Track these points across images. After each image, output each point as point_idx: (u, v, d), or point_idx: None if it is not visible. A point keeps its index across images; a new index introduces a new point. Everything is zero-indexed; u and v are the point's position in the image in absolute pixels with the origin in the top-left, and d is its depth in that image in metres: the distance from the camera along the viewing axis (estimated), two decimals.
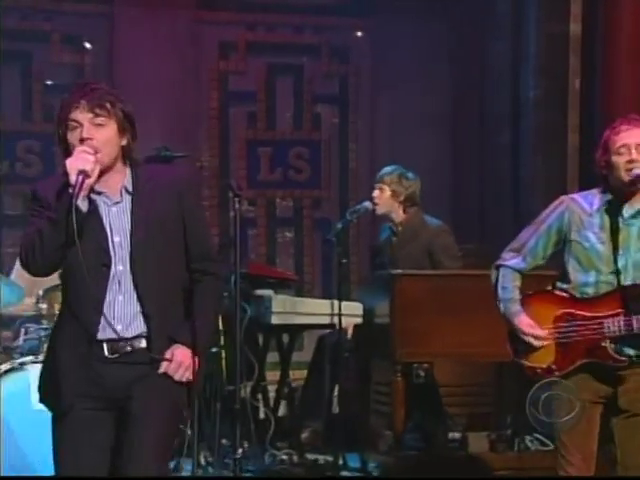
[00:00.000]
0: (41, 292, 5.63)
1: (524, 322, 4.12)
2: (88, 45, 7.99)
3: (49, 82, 7.91)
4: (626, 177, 4.04)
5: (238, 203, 4.36)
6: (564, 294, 4.17)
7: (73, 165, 3.22)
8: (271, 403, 6.58)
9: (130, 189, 3.39)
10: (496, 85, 7.97)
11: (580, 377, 4.09)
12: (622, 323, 4.04)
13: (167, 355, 3.36)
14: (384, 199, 6.21)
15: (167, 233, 3.41)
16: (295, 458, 6.13)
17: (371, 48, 8.54)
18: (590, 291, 4.10)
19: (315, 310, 6.25)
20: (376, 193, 6.23)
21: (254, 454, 5.99)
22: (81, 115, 3.31)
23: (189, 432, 5.91)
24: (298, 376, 6.86)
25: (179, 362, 3.36)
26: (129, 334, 3.37)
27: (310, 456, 6.16)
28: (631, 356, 4.06)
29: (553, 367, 4.11)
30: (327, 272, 8.35)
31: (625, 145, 4.06)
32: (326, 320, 6.19)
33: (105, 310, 3.34)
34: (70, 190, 3.18)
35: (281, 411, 6.59)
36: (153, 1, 7.92)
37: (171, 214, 3.42)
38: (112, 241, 3.36)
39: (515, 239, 4.26)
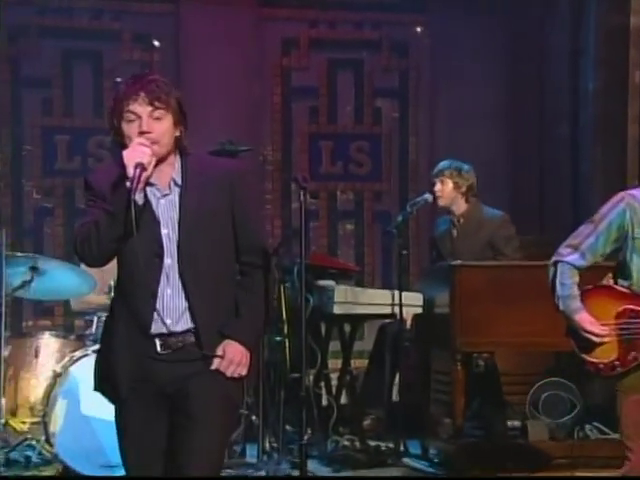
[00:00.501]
0: (112, 282, 5.68)
1: (585, 319, 4.03)
2: (156, 43, 8.04)
3: (119, 79, 7.96)
4: None
5: (303, 195, 4.34)
6: (625, 290, 4.09)
7: (131, 158, 3.17)
8: (333, 391, 6.58)
9: (179, 181, 3.31)
10: (555, 78, 7.89)
11: None
12: None
13: (219, 352, 3.27)
14: (447, 192, 6.19)
15: (217, 226, 3.31)
16: (357, 444, 6.15)
17: (430, 42, 8.49)
18: None
19: (376, 300, 6.24)
20: (438, 187, 6.20)
21: (317, 440, 6.00)
22: (140, 108, 3.24)
23: (254, 418, 5.97)
24: (359, 365, 6.87)
25: (230, 359, 3.27)
26: (179, 328, 3.28)
27: (372, 442, 6.18)
28: None
29: (616, 363, 4.02)
30: (387, 263, 8.33)
31: None
32: (387, 310, 6.19)
33: (157, 304, 3.27)
34: (128, 183, 3.14)
35: (343, 398, 6.59)
36: (218, 0, 7.95)
37: (221, 206, 3.33)
38: (160, 233, 3.28)
39: (572, 235, 4.15)
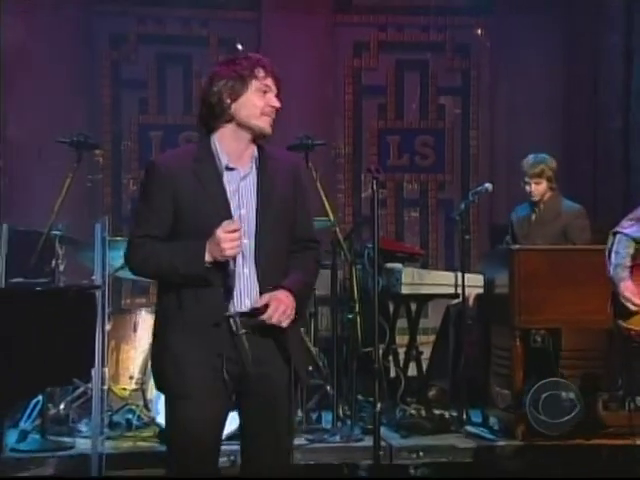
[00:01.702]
0: None
1: (628, 287, 4.05)
2: (240, 47, 8.07)
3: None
4: None
5: (375, 185, 4.31)
6: None
7: (225, 252, 2.98)
8: (401, 364, 6.57)
9: (258, 164, 3.18)
10: (608, 74, 7.79)
11: None
12: None
13: (263, 301, 3.06)
14: (541, 190, 6.07)
15: (286, 211, 3.19)
16: (423, 413, 6.09)
17: (490, 44, 8.43)
18: None
19: (440, 281, 6.22)
20: (533, 187, 6.05)
21: (387, 409, 5.99)
22: (272, 85, 3.17)
23: (329, 388, 5.97)
24: (424, 340, 6.85)
25: (276, 307, 3.03)
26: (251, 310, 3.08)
27: (436, 411, 6.13)
28: None
29: None
30: (449, 247, 8.30)
31: None
32: (450, 290, 6.15)
33: (236, 283, 3.08)
34: (230, 270, 3.01)
35: (410, 371, 6.57)
36: (295, 7, 7.95)
37: (289, 193, 3.21)
38: (240, 215, 3.10)
39: (635, 209, 4.10)
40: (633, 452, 5.51)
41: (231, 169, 3.13)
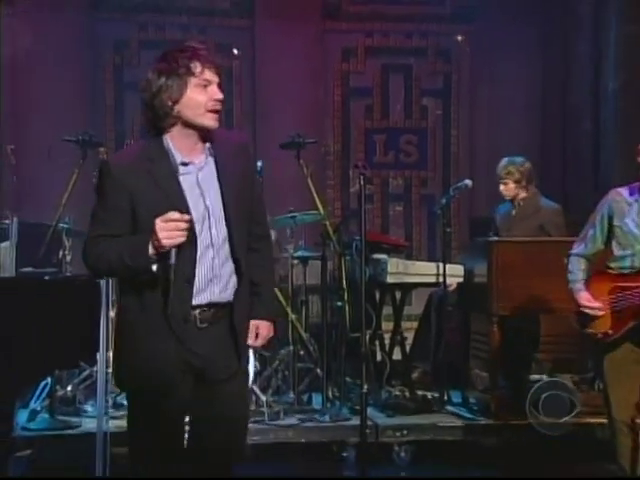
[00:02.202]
0: None
1: (584, 297, 4.19)
2: (236, 51, 8.07)
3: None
4: None
5: (362, 180, 4.31)
6: (614, 272, 4.19)
7: (165, 244, 2.79)
8: (386, 348, 6.59)
9: (212, 151, 2.98)
10: (579, 79, 7.81)
11: (630, 339, 4.09)
12: None
13: (252, 330, 3.07)
14: (510, 189, 6.12)
15: (243, 191, 3.01)
16: (407, 394, 6.12)
17: (470, 49, 8.44)
18: (627, 265, 4.11)
19: (423, 271, 6.21)
20: (502, 187, 6.11)
21: (373, 390, 6.01)
22: (213, 77, 2.93)
23: (319, 371, 5.99)
24: (408, 326, 6.84)
25: (264, 337, 3.12)
26: (224, 298, 2.96)
27: (419, 392, 6.14)
28: None
29: (610, 332, 4.14)
30: (432, 239, 8.32)
31: None
32: (432, 279, 6.14)
33: (202, 273, 2.91)
34: (171, 261, 2.81)
35: (395, 355, 6.58)
36: (287, 15, 7.94)
37: (243, 174, 3.03)
38: (205, 204, 2.93)
39: (584, 230, 4.31)
40: (602, 429, 5.55)
41: (186, 164, 2.95)
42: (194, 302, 2.92)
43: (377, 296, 6.53)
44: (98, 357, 4.61)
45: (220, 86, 2.96)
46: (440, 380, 6.14)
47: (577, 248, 4.29)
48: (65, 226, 5.41)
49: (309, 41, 8.06)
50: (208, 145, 2.99)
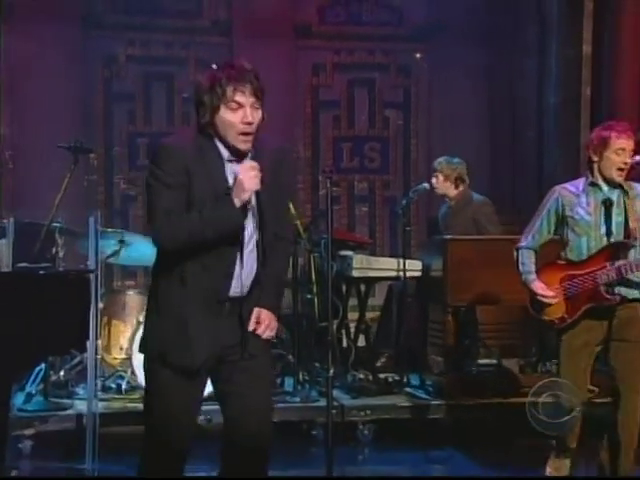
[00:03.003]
0: None
1: (538, 286, 4.16)
2: (214, 67, 8.03)
3: (186, 95, 8.00)
4: (616, 175, 4.05)
5: (329, 183, 4.32)
6: (565, 261, 4.19)
7: (248, 187, 2.76)
8: (352, 336, 6.60)
9: (253, 153, 2.90)
10: (525, 94, 7.85)
11: (585, 322, 4.08)
12: (610, 272, 4.01)
13: (253, 318, 2.93)
14: (440, 183, 6.20)
15: (276, 196, 2.94)
16: (370, 377, 6.14)
17: (428, 65, 8.45)
18: (585, 252, 4.10)
19: (385, 266, 6.23)
20: (433, 180, 6.22)
21: (339, 374, 6.02)
22: (244, 99, 2.80)
23: (290, 357, 5.99)
24: (372, 316, 6.85)
25: (267, 324, 2.94)
26: (244, 292, 2.89)
27: (381, 376, 6.16)
28: (621, 294, 4.04)
29: (565, 316, 4.12)
30: (393, 237, 8.33)
31: (623, 149, 4.04)
32: (393, 274, 6.17)
33: (237, 269, 2.84)
34: (245, 205, 2.78)
35: (359, 342, 6.60)
36: (262, 34, 7.90)
37: (278, 179, 2.95)
38: (250, 204, 2.85)
39: (529, 225, 4.26)
40: None
41: (231, 161, 2.88)
42: (230, 293, 2.85)
43: (344, 289, 6.55)
44: (88, 345, 4.58)
45: (255, 106, 2.83)
46: (400, 365, 6.17)
47: (525, 241, 4.24)
48: (58, 225, 5.37)
49: (282, 58, 8.04)
50: (250, 148, 2.90)
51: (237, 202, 2.78)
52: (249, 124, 2.82)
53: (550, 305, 4.11)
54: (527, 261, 4.21)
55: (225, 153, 2.88)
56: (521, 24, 7.87)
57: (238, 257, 2.85)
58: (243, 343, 2.89)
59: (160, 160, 2.83)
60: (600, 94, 6.97)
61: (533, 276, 4.17)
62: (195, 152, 2.82)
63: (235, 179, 2.80)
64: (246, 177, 2.77)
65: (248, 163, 2.80)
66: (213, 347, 2.85)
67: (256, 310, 2.94)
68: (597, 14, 6.94)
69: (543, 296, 4.11)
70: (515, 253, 4.26)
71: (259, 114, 2.85)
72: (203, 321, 2.82)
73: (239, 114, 2.81)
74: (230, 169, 2.87)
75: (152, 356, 2.91)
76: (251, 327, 2.91)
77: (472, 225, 6.08)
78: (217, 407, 3.06)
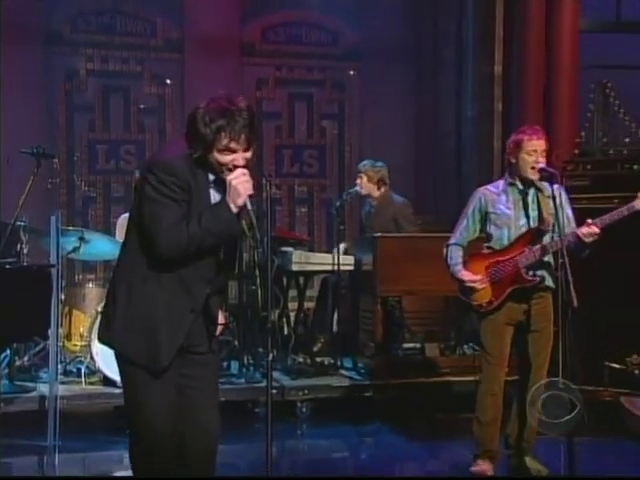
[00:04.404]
0: None
1: (465, 274, 4.20)
2: (168, 81, 7.97)
3: (142, 106, 7.93)
4: (530, 173, 4.12)
5: (269, 187, 4.31)
6: (488, 251, 4.25)
7: (243, 192, 2.69)
8: (292, 324, 6.61)
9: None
10: (445, 107, 7.94)
11: (508, 304, 4.14)
12: (528, 255, 4.09)
13: (221, 320, 2.93)
14: (364, 184, 6.24)
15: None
16: (308, 361, 6.15)
17: (360, 81, 8.50)
18: (506, 242, 4.16)
19: (322, 261, 6.25)
20: (358, 181, 6.27)
21: (281, 358, 6.03)
22: (237, 146, 2.68)
23: (236, 343, 5.98)
24: (310, 306, 6.87)
25: (222, 325, 2.94)
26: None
27: (318, 359, 6.18)
28: (539, 275, 4.12)
29: (492, 299, 4.17)
30: (329, 235, 8.35)
31: (535, 150, 4.12)
32: (329, 267, 6.18)
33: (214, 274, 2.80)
34: (249, 207, 2.71)
35: (299, 329, 6.61)
36: (211, 51, 7.87)
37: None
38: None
39: (457, 223, 4.32)
40: (459, 386, 5.70)
41: (214, 182, 2.78)
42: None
43: (284, 281, 6.54)
44: (50, 332, 4.52)
45: (248, 150, 2.71)
46: (335, 349, 6.19)
47: (453, 239, 4.27)
48: (22, 224, 5.27)
49: (229, 73, 8.00)
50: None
51: (233, 207, 2.71)
52: (235, 167, 2.73)
53: (478, 291, 4.16)
54: (454, 255, 4.25)
55: (210, 176, 2.79)
56: (442, 45, 7.97)
57: (215, 262, 2.80)
58: (209, 339, 2.85)
59: (164, 176, 2.70)
60: (510, 108, 7.10)
61: (460, 267, 4.21)
62: (190, 169, 2.74)
63: (229, 186, 2.71)
64: (239, 182, 2.70)
65: (239, 170, 2.71)
66: (179, 345, 2.78)
67: (222, 314, 2.95)
68: (506, 38, 7.06)
69: (470, 281, 4.16)
70: (445, 250, 4.30)
71: (250, 154, 2.76)
72: (172, 325, 2.74)
73: (231, 157, 2.71)
74: (213, 194, 2.79)
75: (124, 359, 2.81)
76: (218, 332, 2.90)
77: (392, 224, 6.14)
78: None
